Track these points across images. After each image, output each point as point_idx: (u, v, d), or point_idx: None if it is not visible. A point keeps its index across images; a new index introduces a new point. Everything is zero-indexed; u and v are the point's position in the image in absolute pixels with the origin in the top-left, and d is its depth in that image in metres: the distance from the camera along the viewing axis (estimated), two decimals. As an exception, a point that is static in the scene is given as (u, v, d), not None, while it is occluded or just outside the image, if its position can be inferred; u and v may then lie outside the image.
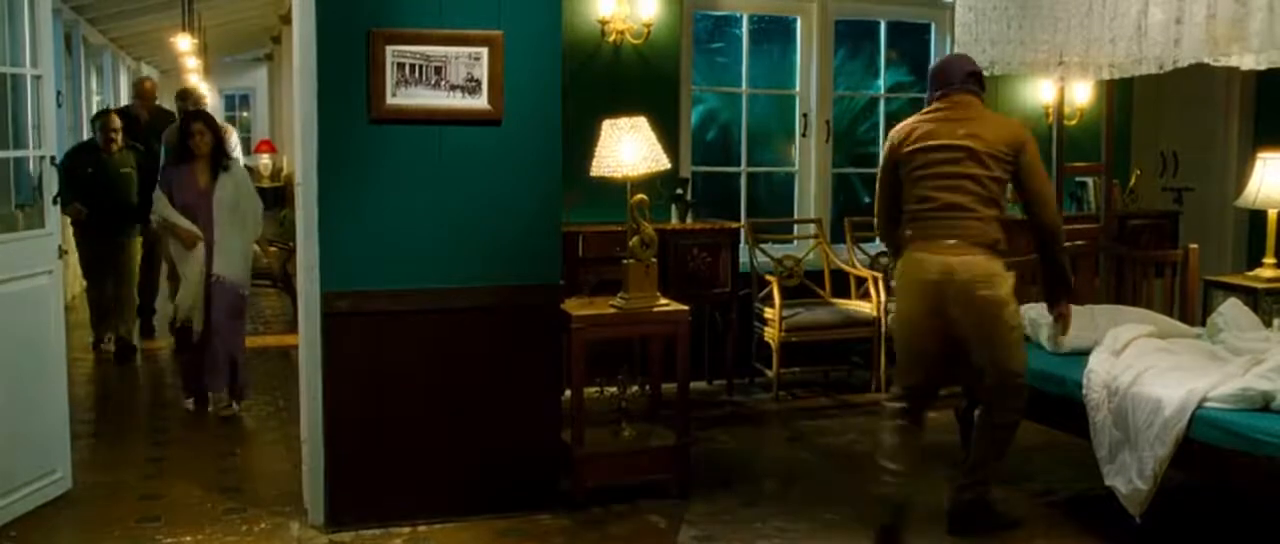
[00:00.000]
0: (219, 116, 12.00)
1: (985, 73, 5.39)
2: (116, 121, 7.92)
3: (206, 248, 6.19)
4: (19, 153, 5.11)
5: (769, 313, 6.89)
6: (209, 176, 6.22)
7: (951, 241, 4.35)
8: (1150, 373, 4.45)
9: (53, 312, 4.96)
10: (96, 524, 4.74)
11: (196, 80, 14.38)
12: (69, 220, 7.33)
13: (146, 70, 17.13)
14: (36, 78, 4.88)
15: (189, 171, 6.22)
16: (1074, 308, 5.45)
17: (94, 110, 11.73)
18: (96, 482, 5.24)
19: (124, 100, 13.81)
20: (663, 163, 4.96)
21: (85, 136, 9.95)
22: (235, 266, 6.28)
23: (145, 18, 12.50)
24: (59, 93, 6.46)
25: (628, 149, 4.87)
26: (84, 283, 8.46)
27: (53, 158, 4.92)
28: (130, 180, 7.81)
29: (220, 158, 6.28)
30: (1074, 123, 7.49)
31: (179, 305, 6.38)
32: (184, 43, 12.13)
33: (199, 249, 6.17)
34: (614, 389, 5.31)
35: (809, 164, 7.75)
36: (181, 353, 7.04)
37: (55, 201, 4.93)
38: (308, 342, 4.62)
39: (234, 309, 6.36)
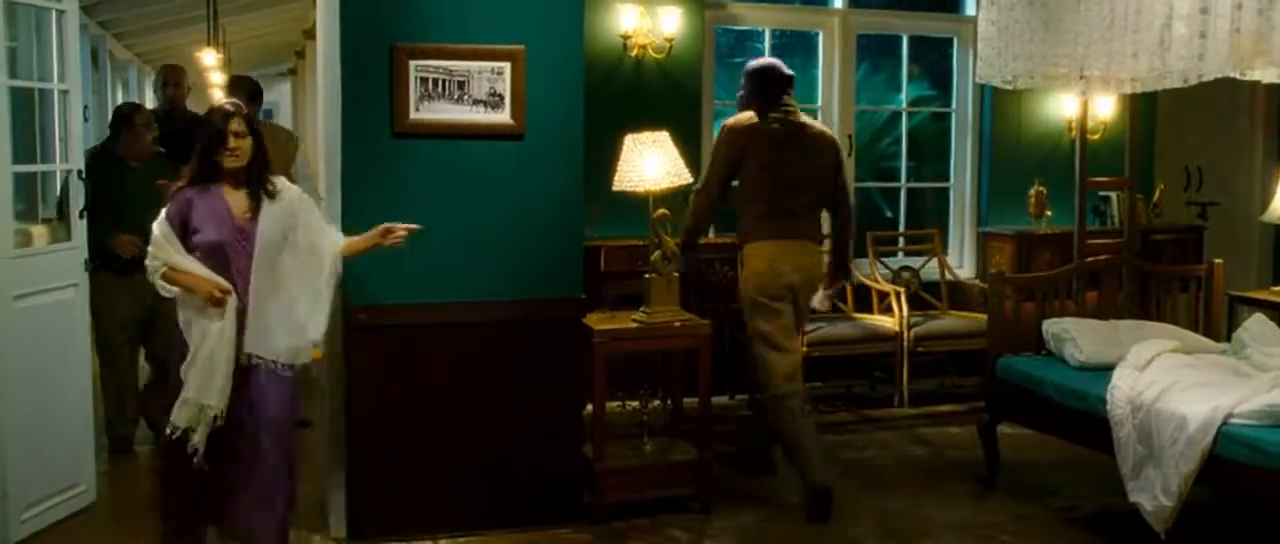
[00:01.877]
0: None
1: (1009, 87, 5.44)
2: (150, 117, 5.99)
3: (238, 315, 3.88)
4: (46, 167, 5.15)
5: (790, 327, 6.85)
6: (249, 203, 3.96)
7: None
8: (1175, 389, 4.42)
9: (78, 325, 5.00)
10: (119, 538, 4.76)
11: (220, 98, 14.31)
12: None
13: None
14: (64, 92, 4.92)
15: (217, 197, 3.93)
16: (1098, 323, 5.44)
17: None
18: (120, 495, 5.26)
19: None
20: (685, 177, 4.97)
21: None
22: (278, 341, 3.94)
23: (170, 33, 12.60)
24: (86, 107, 5.94)
25: (650, 163, 4.88)
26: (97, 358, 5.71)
27: (80, 172, 4.96)
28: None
29: (263, 175, 4.01)
30: (1097, 137, 7.45)
31: (190, 405, 3.83)
32: (209, 58, 12.20)
33: (230, 315, 3.85)
34: (635, 403, 5.31)
35: (830, 178, 7.71)
36: (181, 490, 4.02)
37: (81, 215, 4.97)
38: (329, 355, 4.64)
39: (282, 416, 3.98)
